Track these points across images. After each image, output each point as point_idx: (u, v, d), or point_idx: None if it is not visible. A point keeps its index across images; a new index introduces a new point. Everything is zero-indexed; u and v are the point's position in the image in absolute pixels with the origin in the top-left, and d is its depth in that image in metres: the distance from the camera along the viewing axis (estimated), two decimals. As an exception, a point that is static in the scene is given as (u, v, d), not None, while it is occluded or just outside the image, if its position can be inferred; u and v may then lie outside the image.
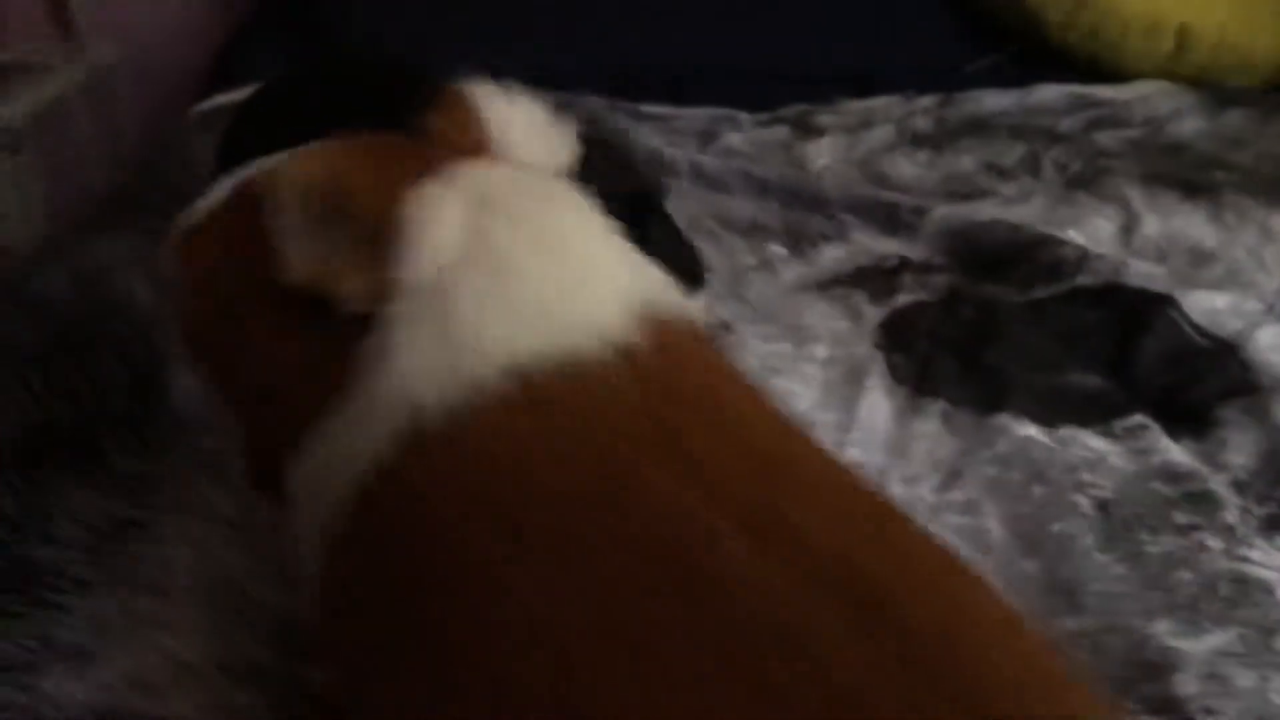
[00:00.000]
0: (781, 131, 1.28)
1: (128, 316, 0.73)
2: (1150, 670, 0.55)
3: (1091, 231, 0.96)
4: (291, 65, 1.41)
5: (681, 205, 1.04)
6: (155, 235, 0.90)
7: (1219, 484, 0.67)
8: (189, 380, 0.68)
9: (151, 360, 0.69)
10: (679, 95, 1.37)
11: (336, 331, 0.42)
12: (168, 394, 0.67)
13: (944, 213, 0.98)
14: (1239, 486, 0.67)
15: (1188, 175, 1.09)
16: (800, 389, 0.74)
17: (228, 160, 0.70)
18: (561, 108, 1.37)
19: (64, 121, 1.64)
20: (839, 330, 0.82)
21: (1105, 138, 1.21)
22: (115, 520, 0.57)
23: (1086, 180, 1.08)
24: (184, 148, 1.23)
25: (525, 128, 0.73)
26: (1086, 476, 0.67)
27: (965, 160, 1.14)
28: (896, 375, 0.76)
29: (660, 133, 1.25)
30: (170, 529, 0.57)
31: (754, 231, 0.98)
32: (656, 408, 0.40)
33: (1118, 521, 0.64)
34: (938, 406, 0.73)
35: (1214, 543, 0.62)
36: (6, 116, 1.46)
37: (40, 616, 0.51)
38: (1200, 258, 0.94)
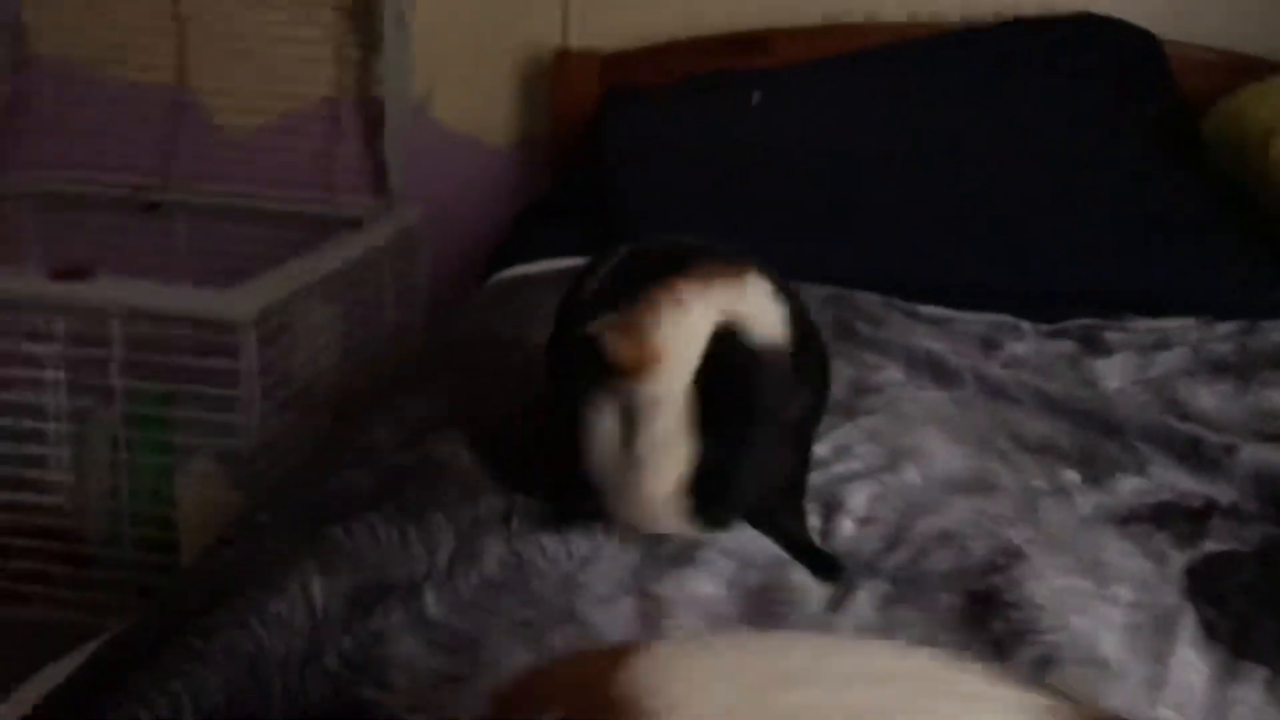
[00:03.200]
0: (1067, 345, 1.26)
1: (452, 477, 0.78)
2: None
3: None
4: (574, 242, 1.51)
5: (969, 416, 1.04)
6: (464, 396, 0.98)
7: None
8: (503, 549, 0.73)
9: (474, 523, 0.73)
10: (957, 300, 1.37)
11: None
12: (483, 557, 0.71)
13: (1255, 454, 0.93)
14: None
15: None
16: (1104, 633, 0.70)
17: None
18: (834, 300, 1.40)
19: (372, 271, 1.80)
20: (1142, 572, 0.78)
21: None
22: (439, 674, 0.60)
23: None
24: (482, 314, 1.33)
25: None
26: None
27: (1275, 396, 1.08)
28: (1211, 633, 0.72)
29: (939, 336, 1.25)
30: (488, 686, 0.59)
31: (1046, 452, 0.96)
32: None
33: None
34: (1261, 673, 0.68)
35: None
36: (332, 266, 1.61)
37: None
38: None
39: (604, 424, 0.70)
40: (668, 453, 0.69)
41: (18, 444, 1.45)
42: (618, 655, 0.40)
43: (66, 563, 1.46)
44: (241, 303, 1.41)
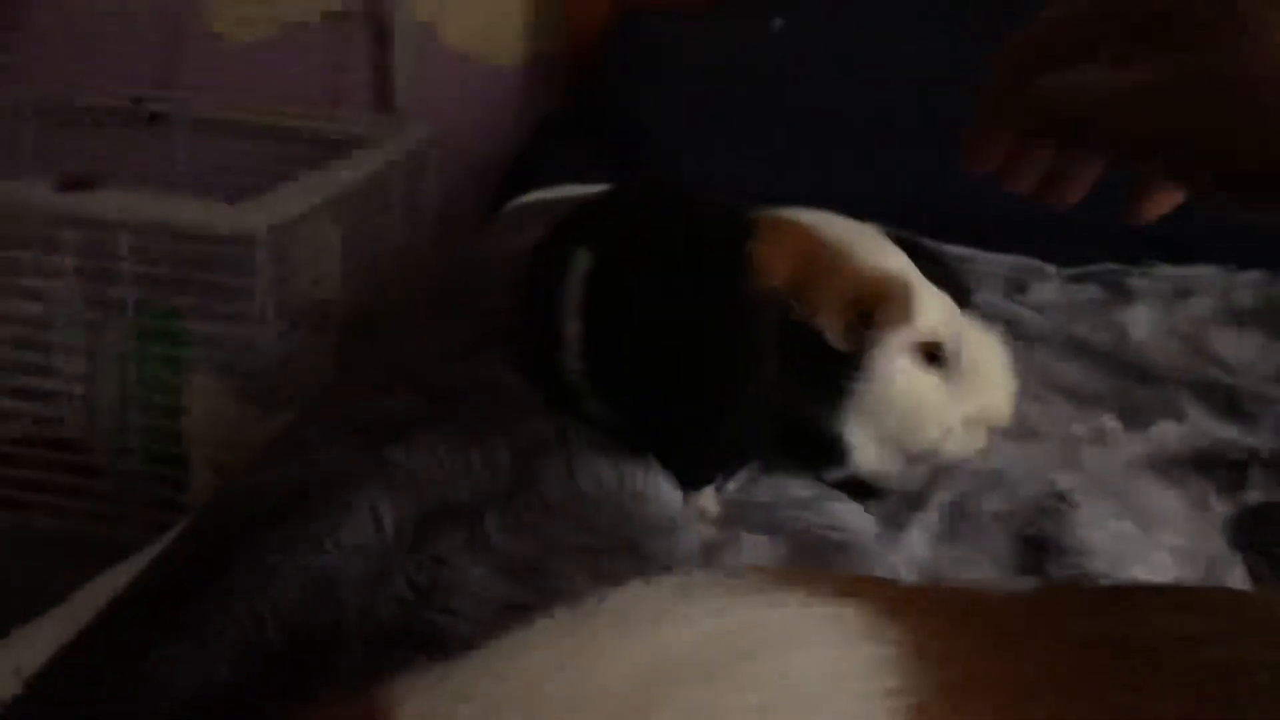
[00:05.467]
0: (1093, 290, 1.26)
1: (504, 398, 0.77)
2: None
3: None
4: (587, 167, 1.50)
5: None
6: (499, 318, 0.96)
7: None
8: (561, 474, 0.72)
9: (531, 446, 0.72)
10: (981, 239, 1.36)
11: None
12: (541, 482, 0.70)
13: (1291, 405, 0.93)
14: None
15: None
16: (1156, 580, 0.71)
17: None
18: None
19: (380, 191, 1.77)
20: (1187, 520, 0.79)
21: None
22: (505, 601, 0.60)
23: None
24: (506, 237, 1.31)
25: (861, 244, 0.75)
26: None
27: (1305, 349, 1.09)
28: (1259, 582, 0.72)
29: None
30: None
31: (1083, 399, 0.96)
32: None
33: None
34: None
35: None
36: (341, 184, 1.58)
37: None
38: None
39: (900, 375, 0.71)
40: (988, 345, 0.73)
41: (27, 355, 1.42)
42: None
43: (74, 473, 1.45)
44: (254, 217, 1.39)
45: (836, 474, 0.76)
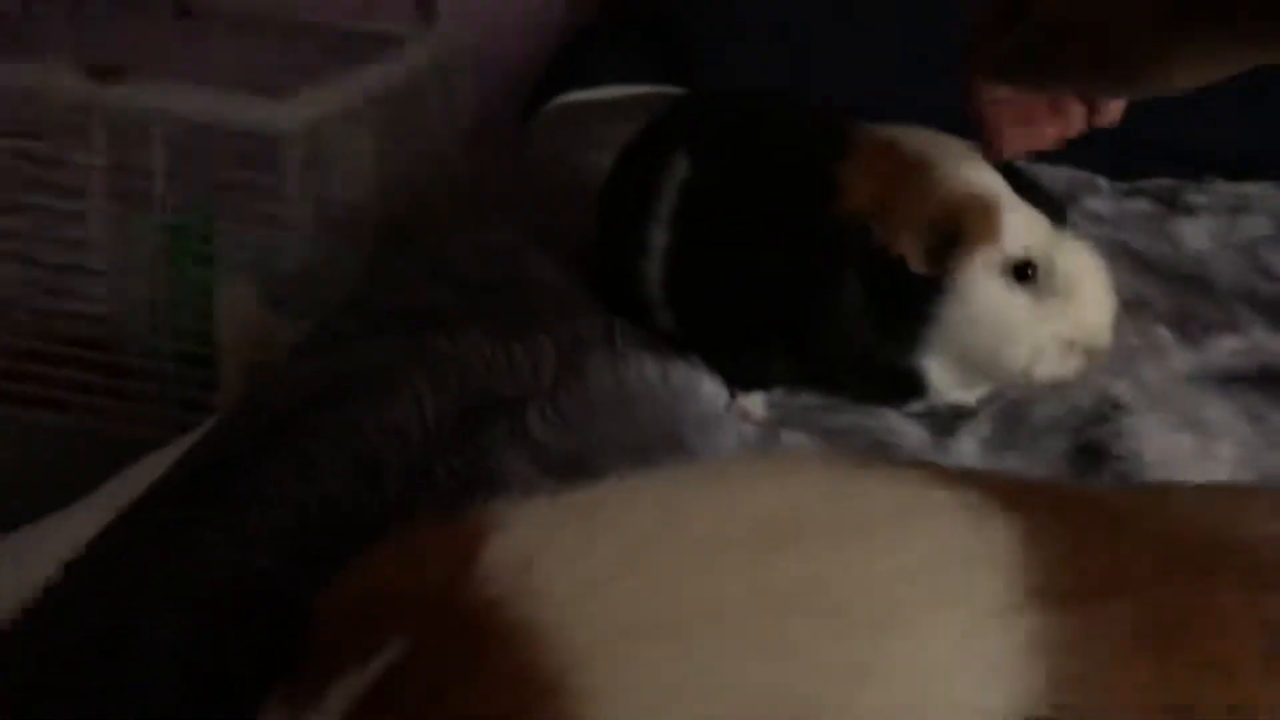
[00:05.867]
0: (1144, 204, 1.22)
1: (548, 295, 0.75)
2: None
3: None
4: (626, 72, 1.46)
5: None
6: (543, 219, 0.94)
7: None
8: (606, 371, 0.70)
9: (575, 343, 0.70)
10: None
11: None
12: (586, 378, 0.69)
13: (1354, 322, 0.90)
14: None
15: None
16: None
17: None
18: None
19: (415, 94, 1.73)
20: (1243, 433, 0.77)
21: None
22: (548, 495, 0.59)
23: None
24: (547, 139, 1.28)
25: (948, 161, 0.72)
26: None
27: (1365, 267, 1.05)
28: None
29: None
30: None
31: (1137, 308, 0.93)
32: None
33: None
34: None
35: None
36: (377, 86, 1.54)
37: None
38: None
39: (985, 295, 0.68)
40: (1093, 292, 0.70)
41: (57, 251, 1.41)
42: (465, 541, 0.32)
43: (104, 373, 1.45)
44: (287, 114, 1.36)
45: (916, 407, 0.73)
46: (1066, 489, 0.36)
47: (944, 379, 0.71)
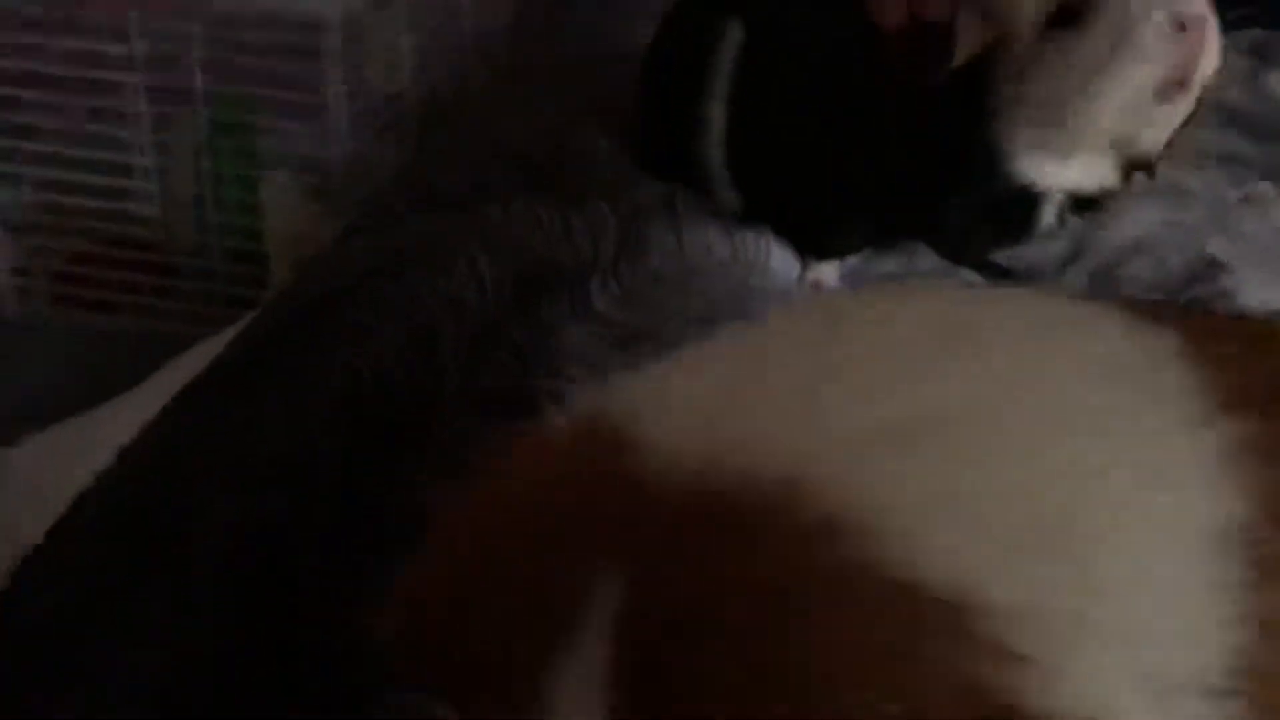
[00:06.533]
0: (1234, 58, 1.14)
1: (605, 164, 0.72)
2: None
3: None
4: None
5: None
6: (595, 93, 0.90)
7: None
8: (669, 241, 0.67)
9: (635, 212, 0.67)
10: None
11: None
12: (649, 249, 0.65)
13: None
14: None
15: None
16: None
17: None
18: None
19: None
20: (1354, 288, 0.72)
21: None
22: (618, 366, 0.56)
23: None
24: (587, 9, 1.23)
25: None
26: None
27: None
28: None
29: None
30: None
31: (1232, 163, 0.88)
32: None
33: None
34: None
35: None
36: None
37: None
38: None
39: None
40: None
41: (100, 151, 1.39)
42: (619, 441, 0.24)
43: (153, 272, 1.43)
44: (326, 3, 1.31)
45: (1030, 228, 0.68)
46: (1193, 309, 0.33)
47: (1024, 154, 0.64)
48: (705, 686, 0.21)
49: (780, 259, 0.69)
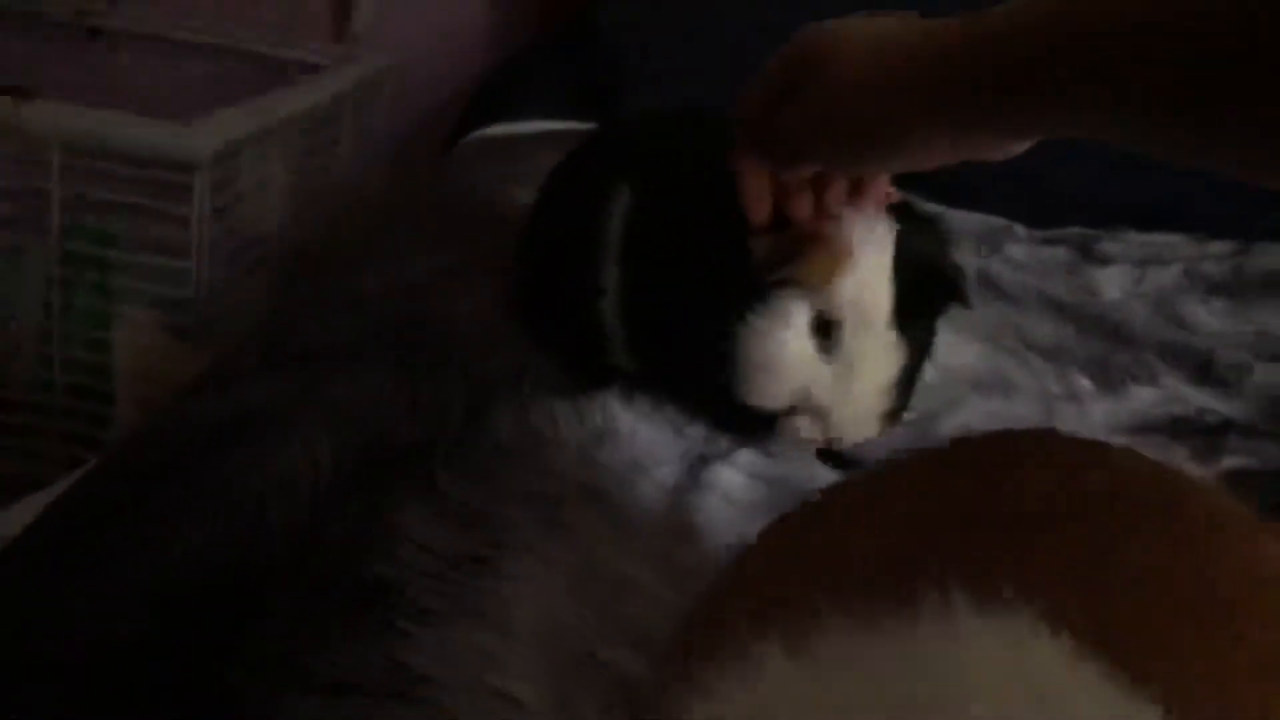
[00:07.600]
0: (1062, 252, 1.23)
1: (456, 332, 0.72)
2: None
3: None
4: (556, 101, 1.43)
5: (976, 314, 1.00)
6: (457, 253, 0.91)
7: None
8: (515, 415, 0.67)
9: (484, 384, 0.67)
10: (948, 197, 1.32)
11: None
12: (494, 424, 0.65)
13: (1267, 373, 0.91)
14: None
15: None
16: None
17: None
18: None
19: (331, 122, 1.69)
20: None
21: None
22: (457, 552, 0.55)
23: None
24: (466, 171, 1.25)
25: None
26: None
27: (1273, 320, 1.07)
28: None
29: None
30: (511, 569, 0.54)
31: (1057, 356, 0.93)
32: None
33: None
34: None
35: None
36: (290, 111, 1.50)
37: (389, 640, 0.49)
38: None
39: (790, 336, 0.65)
40: (883, 354, 0.66)
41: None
42: None
43: (-9, 407, 1.37)
44: (196, 140, 1.30)
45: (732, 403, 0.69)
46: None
47: (747, 383, 0.67)
48: None
49: (648, 429, 0.70)
